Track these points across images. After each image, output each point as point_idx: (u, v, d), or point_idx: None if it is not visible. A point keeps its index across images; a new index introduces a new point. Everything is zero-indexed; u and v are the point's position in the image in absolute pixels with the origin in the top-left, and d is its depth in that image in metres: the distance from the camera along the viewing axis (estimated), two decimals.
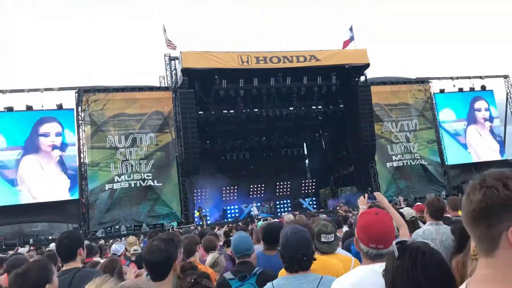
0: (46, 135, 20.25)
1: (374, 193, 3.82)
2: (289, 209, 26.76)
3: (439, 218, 4.26)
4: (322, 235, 3.47)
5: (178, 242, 2.79)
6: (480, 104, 27.41)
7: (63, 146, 20.49)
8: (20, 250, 11.76)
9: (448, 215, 5.00)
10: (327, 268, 2.89)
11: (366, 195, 3.85)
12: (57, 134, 20.47)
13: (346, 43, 24.47)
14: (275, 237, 3.60)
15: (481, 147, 26.76)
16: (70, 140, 20.79)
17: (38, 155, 20.02)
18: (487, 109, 27.52)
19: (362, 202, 3.78)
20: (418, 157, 25.40)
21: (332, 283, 2.14)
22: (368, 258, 2.12)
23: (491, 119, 27.62)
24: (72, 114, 21.12)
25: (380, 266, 2.02)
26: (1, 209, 19.12)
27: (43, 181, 19.84)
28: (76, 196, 20.31)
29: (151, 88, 22.60)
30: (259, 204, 25.99)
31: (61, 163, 20.35)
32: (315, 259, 2.64)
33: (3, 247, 17.39)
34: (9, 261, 4.40)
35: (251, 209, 24.41)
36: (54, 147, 20.28)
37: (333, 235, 3.51)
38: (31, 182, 19.74)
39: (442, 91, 26.93)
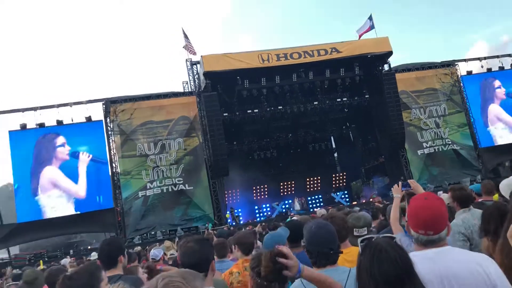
0: (62, 145, 20.74)
1: (408, 180, 3.76)
2: (321, 204, 26.64)
3: (467, 205, 4.21)
4: (354, 229, 3.46)
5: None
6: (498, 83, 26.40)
7: (89, 158, 20.96)
8: (62, 261, 12.09)
9: (481, 200, 4.91)
10: None
11: (400, 183, 3.80)
12: (78, 145, 21.00)
13: (362, 34, 24.18)
14: (297, 234, 3.61)
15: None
16: (100, 152, 21.25)
17: (63, 167, 20.56)
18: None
19: (396, 191, 3.74)
20: (450, 142, 24.80)
21: None
22: (419, 244, 2.13)
23: None
24: (101, 125, 21.58)
25: (433, 252, 2.02)
26: (41, 223, 19.77)
27: (77, 193, 20.37)
28: (110, 205, 20.77)
29: (175, 94, 22.87)
30: (310, 198, 26.08)
31: (90, 173, 20.81)
32: (341, 253, 2.64)
33: (46, 259, 17.94)
34: (49, 272, 4.50)
35: (293, 204, 24.51)
36: (80, 158, 20.78)
37: (365, 229, 3.49)
38: (65, 194, 20.30)
39: (469, 73, 26.19)
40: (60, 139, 20.79)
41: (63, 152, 20.69)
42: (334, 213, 3.24)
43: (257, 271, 2.10)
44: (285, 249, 2.15)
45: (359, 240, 1.92)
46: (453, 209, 4.28)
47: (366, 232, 3.51)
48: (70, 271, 2.63)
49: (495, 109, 25.98)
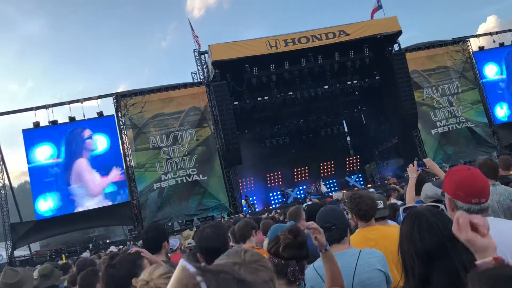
0: (85, 140, 21.09)
1: (424, 159, 3.71)
2: (336, 188, 26.56)
3: (494, 178, 4.10)
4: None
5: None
6: None
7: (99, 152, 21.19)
8: (83, 255, 12.29)
9: (504, 175, 4.82)
10: (387, 237, 2.87)
11: (415, 162, 3.75)
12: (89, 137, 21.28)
13: (373, 12, 23.83)
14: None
15: None
16: (113, 145, 21.43)
17: (82, 164, 20.82)
18: None
19: (412, 170, 3.69)
20: (464, 120, 24.45)
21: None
22: None
23: None
24: (113, 120, 21.72)
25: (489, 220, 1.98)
26: (59, 219, 20.09)
27: (93, 187, 20.63)
28: (126, 198, 21.00)
29: (184, 85, 22.87)
30: (325, 182, 26.05)
31: (105, 168, 21.04)
32: (345, 229, 2.65)
33: (66, 254, 18.24)
34: (77, 263, 4.61)
35: (320, 188, 24.48)
36: (91, 153, 21.02)
37: (382, 202, 3.50)
38: (82, 189, 20.58)
39: (481, 48, 25.71)
40: (87, 132, 21.23)
41: (91, 143, 21.22)
42: (362, 193, 3.24)
43: (274, 250, 2.07)
44: (315, 224, 2.17)
45: (401, 209, 1.90)
46: None
47: (382, 206, 3.51)
48: (115, 260, 2.68)
49: None
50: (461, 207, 2.05)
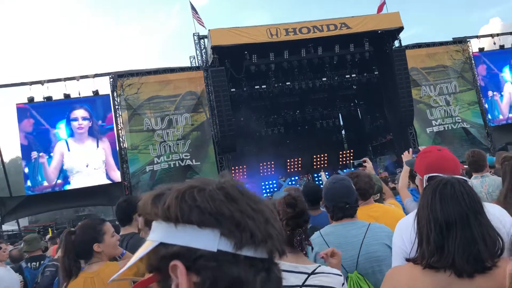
0: (75, 119, 20.81)
1: (420, 147, 3.69)
2: None
3: (480, 170, 4.12)
4: None
5: None
6: None
7: (93, 130, 20.99)
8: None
9: (498, 167, 4.83)
10: (387, 215, 2.87)
11: (410, 150, 3.74)
12: (84, 119, 20.94)
13: (380, 8, 23.72)
14: (315, 197, 3.61)
15: None
16: (107, 126, 21.29)
17: (75, 141, 20.67)
18: None
19: (407, 157, 3.68)
20: (460, 120, 24.52)
21: (398, 223, 2.12)
22: None
23: None
24: (108, 99, 21.54)
25: None
26: (49, 196, 19.99)
27: (83, 165, 20.50)
28: (118, 179, 20.91)
29: (182, 69, 22.69)
30: (326, 172, 26.02)
31: (96, 147, 20.90)
32: (358, 206, 2.65)
33: (55, 231, 18.17)
34: (60, 237, 4.70)
35: (320, 178, 24.49)
36: (84, 130, 20.84)
37: (378, 195, 3.50)
38: (74, 167, 20.45)
39: (481, 50, 25.71)
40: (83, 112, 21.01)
41: (85, 123, 20.96)
42: (359, 172, 3.23)
43: None
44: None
45: (426, 176, 1.86)
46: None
47: (378, 197, 3.52)
48: (75, 228, 2.71)
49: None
50: None
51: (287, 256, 0.89)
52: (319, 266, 2.10)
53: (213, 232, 0.76)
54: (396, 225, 2.10)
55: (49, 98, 20.74)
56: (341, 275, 2.07)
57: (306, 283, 1.98)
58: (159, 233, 0.79)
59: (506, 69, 25.73)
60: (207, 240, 0.75)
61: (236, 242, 0.76)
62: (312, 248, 2.35)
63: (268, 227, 0.81)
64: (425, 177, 1.99)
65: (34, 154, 20.13)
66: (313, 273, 2.01)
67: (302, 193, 4.01)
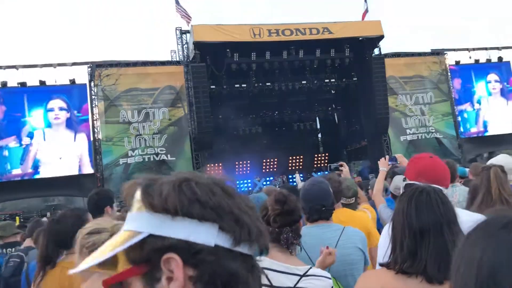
0: (52, 110, 20.34)
1: (396, 155, 3.78)
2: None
3: (451, 180, 4.24)
4: (342, 198, 3.49)
5: None
6: (491, 77, 26.71)
7: (71, 121, 20.58)
8: (42, 220, 12.07)
9: (471, 179, 4.98)
10: (354, 220, 2.92)
11: (387, 156, 3.82)
12: (61, 109, 20.49)
13: (364, 15, 24.04)
14: None
15: (495, 120, 26.28)
16: (82, 116, 20.90)
17: (50, 130, 20.23)
18: (498, 81, 26.77)
19: (383, 164, 3.75)
20: (433, 131, 25.09)
21: (384, 228, 2.17)
22: None
23: (506, 92, 26.98)
24: (85, 89, 21.15)
25: None
26: (18, 184, 19.50)
27: (56, 155, 20.07)
28: (91, 170, 20.56)
29: (162, 63, 22.49)
30: (301, 174, 26.07)
31: (69, 137, 20.50)
32: (334, 209, 2.68)
33: (21, 220, 17.74)
34: (29, 226, 4.61)
35: (295, 179, 24.54)
36: (61, 121, 20.40)
37: (354, 198, 3.54)
38: (46, 156, 20.00)
39: (457, 63, 26.37)
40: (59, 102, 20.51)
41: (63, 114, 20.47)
42: (331, 176, 3.28)
43: (266, 219, 2.07)
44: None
45: (403, 183, 1.91)
46: None
47: (353, 201, 3.57)
48: (57, 215, 2.66)
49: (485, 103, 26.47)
50: None
51: (273, 254, 0.91)
52: (310, 267, 2.12)
53: (213, 226, 0.76)
54: (383, 230, 2.16)
55: (23, 84, 20.21)
56: (330, 278, 2.11)
57: (298, 285, 2.00)
58: (147, 224, 0.76)
59: (480, 84, 26.46)
60: (206, 234, 0.75)
61: (235, 237, 0.76)
62: (301, 248, 2.38)
63: (260, 224, 0.82)
64: (402, 184, 2.05)
65: (4, 141, 19.61)
66: (305, 275, 2.04)
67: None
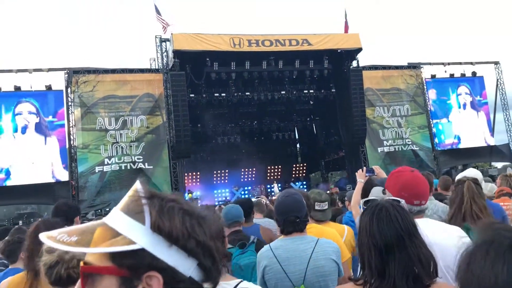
0: (20, 113, 19.88)
1: (373, 166, 3.82)
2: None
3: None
4: (316, 203, 3.51)
5: None
6: (462, 89, 27.38)
7: (41, 126, 20.16)
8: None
9: (440, 192, 5.06)
10: (324, 236, 2.92)
11: (364, 168, 3.85)
12: (30, 113, 20.07)
13: (346, 28, 24.38)
14: (246, 210, 3.69)
15: (468, 132, 26.89)
16: (57, 122, 20.51)
17: (19, 134, 19.78)
18: (468, 94, 27.43)
19: (360, 176, 3.78)
20: (410, 143, 25.52)
21: None
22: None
23: (477, 105, 27.68)
24: (61, 94, 20.79)
25: (422, 221, 2.05)
26: None
27: (28, 160, 19.59)
28: (65, 178, 20.14)
29: (141, 70, 22.32)
30: (279, 184, 26.07)
31: (39, 141, 20.07)
32: (307, 221, 2.68)
33: None
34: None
35: (273, 189, 24.55)
36: (32, 126, 19.98)
37: (327, 203, 3.57)
38: (18, 163, 19.51)
39: (433, 76, 26.97)
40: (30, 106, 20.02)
41: (31, 118, 19.97)
42: (298, 190, 3.29)
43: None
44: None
45: (362, 201, 1.93)
46: None
47: (327, 207, 3.59)
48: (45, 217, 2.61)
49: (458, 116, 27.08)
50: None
51: None
52: (241, 281, 2.06)
53: (194, 261, 0.85)
54: None
55: None
56: None
57: None
58: (145, 240, 0.82)
59: (453, 96, 27.09)
60: (187, 266, 0.84)
61: (206, 275, 0.87)
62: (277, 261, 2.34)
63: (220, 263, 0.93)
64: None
65: None
66: None
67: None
